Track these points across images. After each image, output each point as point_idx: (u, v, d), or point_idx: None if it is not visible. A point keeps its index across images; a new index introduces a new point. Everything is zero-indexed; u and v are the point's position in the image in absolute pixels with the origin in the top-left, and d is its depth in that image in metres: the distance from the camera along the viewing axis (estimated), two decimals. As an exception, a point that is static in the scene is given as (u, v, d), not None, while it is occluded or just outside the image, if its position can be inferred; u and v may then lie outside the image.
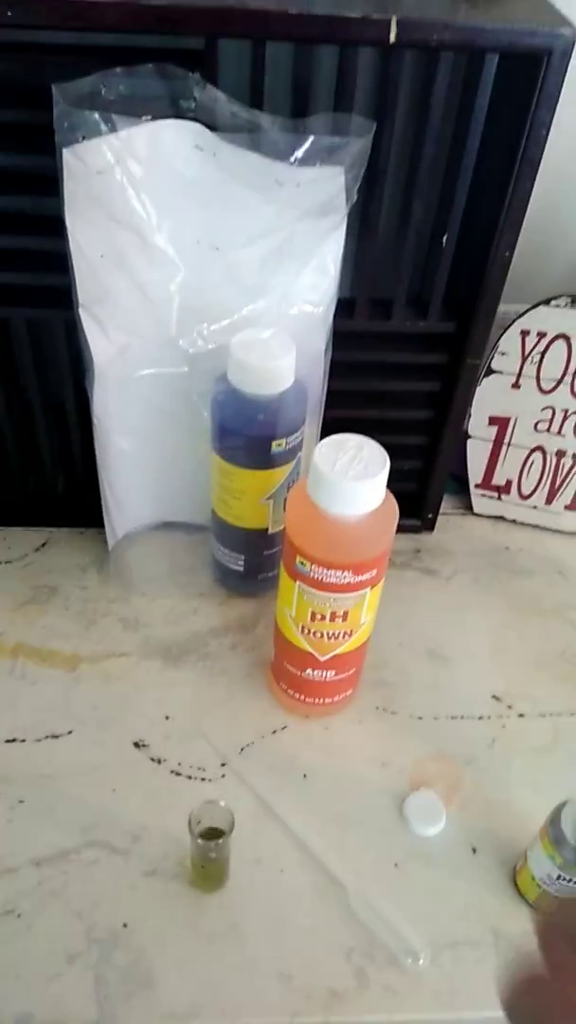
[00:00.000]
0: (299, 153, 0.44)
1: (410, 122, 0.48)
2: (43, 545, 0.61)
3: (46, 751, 0.48)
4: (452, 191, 0.49)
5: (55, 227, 0.44)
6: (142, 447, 0.53)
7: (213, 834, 0.41)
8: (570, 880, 0.41)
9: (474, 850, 0.46)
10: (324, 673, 0.48)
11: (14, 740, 0.49)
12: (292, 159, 0.44)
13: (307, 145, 0.44)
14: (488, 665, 0.56)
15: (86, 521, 0.60)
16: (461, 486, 0.66)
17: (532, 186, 0.47)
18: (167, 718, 0.51)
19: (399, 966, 0.41)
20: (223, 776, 0.48)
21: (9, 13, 0.40)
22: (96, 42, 0.46)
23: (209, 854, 0.41)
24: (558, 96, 0.44)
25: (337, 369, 0.53)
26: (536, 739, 0.52)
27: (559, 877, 0.41)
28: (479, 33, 0.43)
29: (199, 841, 0.40)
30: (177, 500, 0.58)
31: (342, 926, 0.42)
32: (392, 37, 0.42)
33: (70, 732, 0.49)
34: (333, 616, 0.44)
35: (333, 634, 0.45)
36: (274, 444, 0.49)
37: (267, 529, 0.53)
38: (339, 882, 0.44)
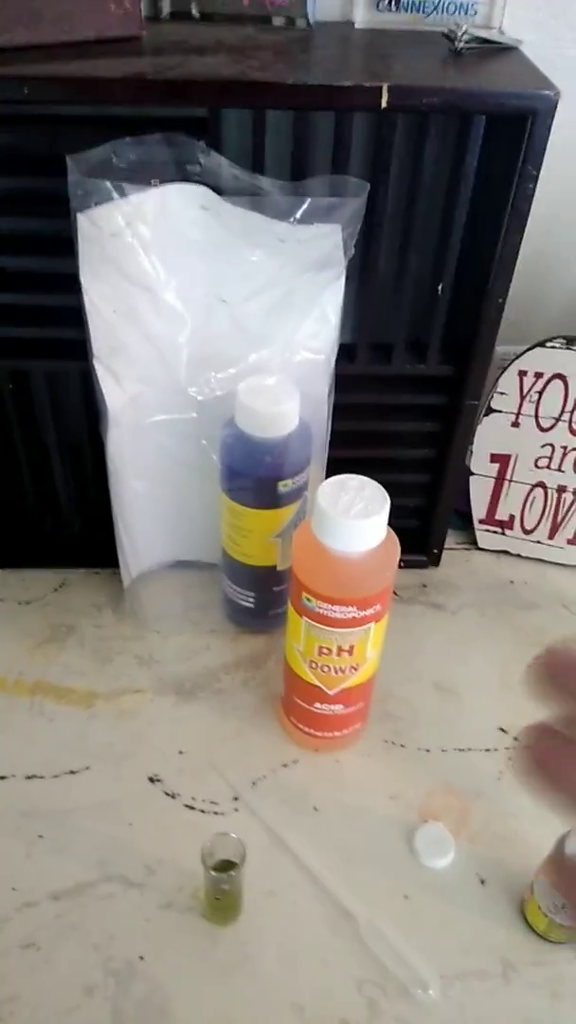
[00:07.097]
0: (298, 213, 0.47)
1: (404, 180, 0.51)
2: (61, 586, 0.63)
3: (64, 787, 0.50)
4: (446, 243, 0.52)
5: (70, 285, 0.47)
6: (154, 489, 0.55)
7: (226, 866, 0.42)
8: (577, 909, 0.41)
9: (483, 882, 0.47)
10: (333, 707, 0.49)
11: (34, 776, 0.50)
12: (292, 219, 0.47)
13: (306, 206, 0.47)
14: (495, 698, 0.57)
15: (102, 562, 0.62)
16: (466, 522, 0.67)
17: (522, 236, 0.49)
18: (181, 753, 0.52)
19: (410, 997, 0.42)
20: (236, 810, 0.49)
21: (26, 91, 0.44)
22: (107, 113, 0.49)
23: (222, 886, 0.42)
24: (543, 153, 0.46)
25: (340, 411, 0.55)
26: (543, 770, 0.52)
27: (564, 906, 0.41)
28: (466, 97, 0.45)
29: (212, 873, 0.41)
30: (189, 539, 0.60)
31: (353, 957, 0.43)
32: (384, 103, 0.45)
33: (87, 768, 0.51)
34: (340, 650, 0.46)
35: (340, 668, 0.47)
36: (280, 484, 0.51)
37: (275, 566, 0.55)
38: (350, 914, 0.45)
